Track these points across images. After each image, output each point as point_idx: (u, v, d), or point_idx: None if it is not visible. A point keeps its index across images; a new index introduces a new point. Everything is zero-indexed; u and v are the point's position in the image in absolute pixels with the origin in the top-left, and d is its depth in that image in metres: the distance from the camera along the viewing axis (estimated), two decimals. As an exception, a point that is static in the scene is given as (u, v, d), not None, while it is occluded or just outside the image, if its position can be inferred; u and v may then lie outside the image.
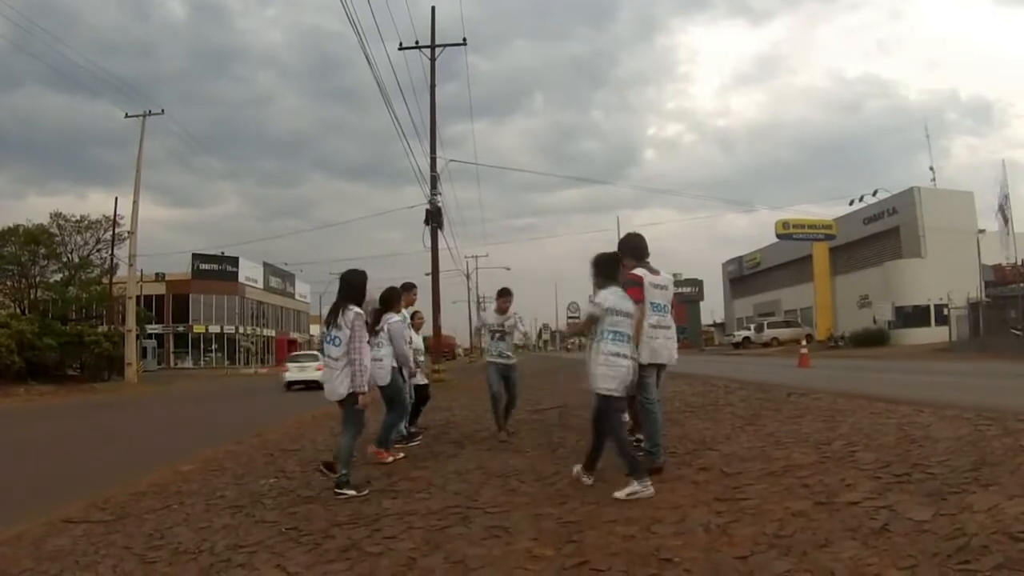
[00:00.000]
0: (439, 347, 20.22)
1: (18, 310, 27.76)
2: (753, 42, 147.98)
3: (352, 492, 4.35)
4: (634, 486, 3.79)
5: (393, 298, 5.89)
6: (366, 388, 4.41)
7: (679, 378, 11.01)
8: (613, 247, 4.61)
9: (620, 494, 3.78)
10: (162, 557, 3.39)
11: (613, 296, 4.01)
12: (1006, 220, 23.98)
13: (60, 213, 30.34)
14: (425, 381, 7.23)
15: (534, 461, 5.13)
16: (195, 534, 3.77)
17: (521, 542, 3.15)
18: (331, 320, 4.53)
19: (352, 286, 4.62)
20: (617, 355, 3.92)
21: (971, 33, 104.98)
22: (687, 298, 45.31)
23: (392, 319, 5.73)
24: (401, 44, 19.41)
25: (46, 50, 50.78)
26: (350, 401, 4.46)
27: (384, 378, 5.40)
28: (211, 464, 6.26)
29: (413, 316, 7.06)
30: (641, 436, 5.28)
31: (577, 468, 4.30)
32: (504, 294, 6.63)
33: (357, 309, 4.51)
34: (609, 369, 3.91)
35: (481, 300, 52.94)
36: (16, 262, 28.18)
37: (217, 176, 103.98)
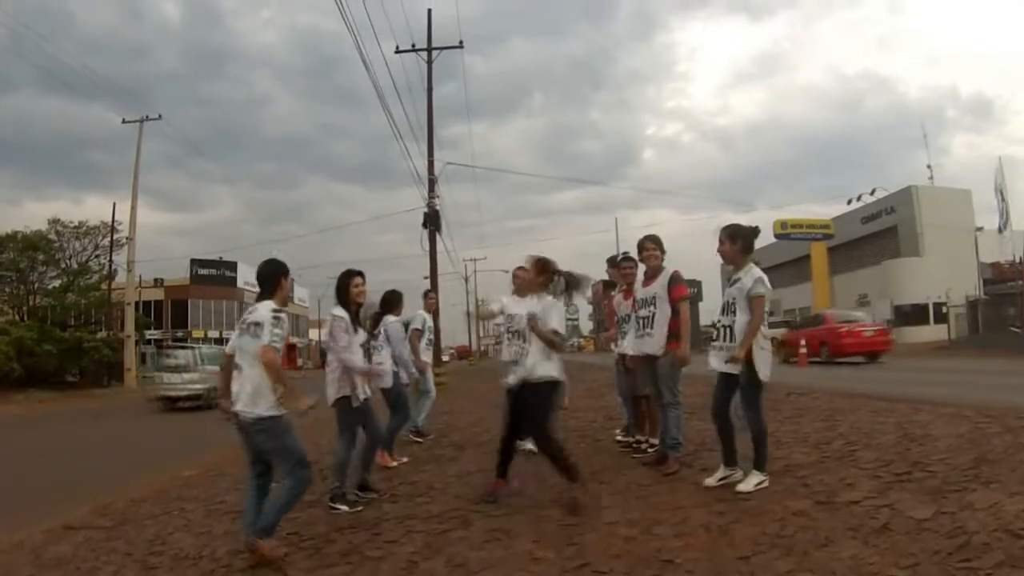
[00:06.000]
0: (439, 351, 20.27)
1: (17, 317, 27.74)
2: (753, 39, 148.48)
3: (344, 508, 4.07)
4: (759, 476, 3.74)
5: (394, 301, 5.84)
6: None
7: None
8: (611, 248, 4.64)
9: (746, 486, 3.67)
10: (163, 563, 3.40)
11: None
12: (1003, 214, 24.02)
13: (58, 219, 30.34)
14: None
15: (535, 463, 5.12)
16: (196, 540, 3.77)
17: (522, 544, 3.15)
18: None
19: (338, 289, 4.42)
20: (766, 338, 3.77)
21: (971, 29, 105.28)
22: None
23: (390, 321, 5.71)
24: (398, 47, 19.37)
25: (40, 54, 50.85)
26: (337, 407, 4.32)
27: (387, 382, 5.37)
28: (212, 469, 6.26)
29: (426, 295, 7.32)
30: (641, 437, 5.31)
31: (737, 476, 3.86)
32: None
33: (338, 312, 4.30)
34: (770, 354, 3.76)
35: (481, 303, 52.78)
36: (15, 268, 28.15)
37: (214, 180, 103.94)
